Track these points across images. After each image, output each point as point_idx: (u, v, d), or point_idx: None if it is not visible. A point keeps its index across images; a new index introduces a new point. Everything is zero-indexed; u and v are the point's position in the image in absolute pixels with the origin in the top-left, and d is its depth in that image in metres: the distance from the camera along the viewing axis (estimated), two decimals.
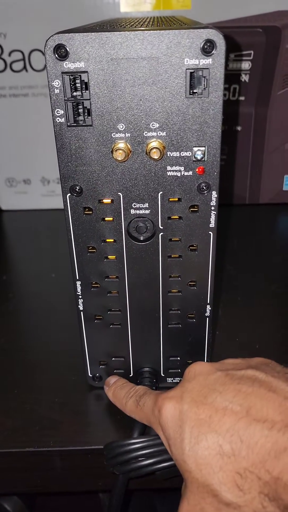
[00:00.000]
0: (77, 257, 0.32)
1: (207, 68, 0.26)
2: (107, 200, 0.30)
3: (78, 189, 0.29)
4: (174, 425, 0.27)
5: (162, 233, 0.31)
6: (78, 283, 0.33)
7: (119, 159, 0.28)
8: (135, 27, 0.30)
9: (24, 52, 0.59)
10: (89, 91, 0.27)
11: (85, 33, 0.25)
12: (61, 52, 0.26)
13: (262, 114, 0.62)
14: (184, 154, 0.28)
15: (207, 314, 0.34)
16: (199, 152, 0.28)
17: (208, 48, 0.25)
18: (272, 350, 0.41)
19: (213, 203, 0.30)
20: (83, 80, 0.26)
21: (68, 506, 0.50)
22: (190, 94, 0.26)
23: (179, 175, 0.29)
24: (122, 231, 0.31)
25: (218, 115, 0.27)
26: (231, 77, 0.60)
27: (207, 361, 0.36)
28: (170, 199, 0.30)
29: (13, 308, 0.48)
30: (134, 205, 0.30)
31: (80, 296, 0.33)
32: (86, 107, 0.27)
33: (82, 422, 0.35)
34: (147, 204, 0.30)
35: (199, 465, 0.25)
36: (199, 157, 0.28)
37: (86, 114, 0.27)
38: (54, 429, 0.34)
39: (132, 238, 0.31)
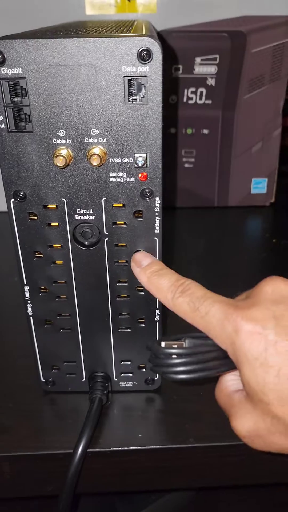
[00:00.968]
0: (24, 262, 0.32)
1: (145, 76, 0.26)
2: (51, 206, 0.30)
3: (22, 195, 0.29)
4: (257, 353, 0.24)
5: (107, 239, 0.31)
6: (26, 288, 0.33)
7: (60, 165, 0.28)
8: (88, 33, 0.30)
9: None
10: (28, 97, 0.27)
11: (22, 39, 0.25)
12: None
13: (229, 118, 0.63)
14: (125, 160, 0.28)
15: (157, 318, 0.34)
16: (140, 159, 0.28)
17: (144, 56, 0.25)
18: None
19: (157, 209, 0.30)
20: (22, 86, 0.26)
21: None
22: (128, 101, 0.27)
23: (121, 181, 0.29)
24: (68, 237, 0.31)
25: (158, 122, 0.27)
26: (197, 80, 0.61)
27: None
28: (114, 205, 0.30)
29: None
30: (79, 210, 0.30)
31: (28, 301, 0.33)
32: (26, 113, 0.27)
33: (32, 427, 0.35)
34: (91, 210, 0.30)
35: (281, 401, 0.24)
36: (140, 164, 0.28)
37: (26, 120, 0.27)
38: (5, 434, 0.34)
39: (78, 243, 0.31)
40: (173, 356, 0.27)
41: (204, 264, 0.55)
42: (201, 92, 0.62)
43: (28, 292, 0.33)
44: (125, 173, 0.29)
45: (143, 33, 0.29)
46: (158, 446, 0.33)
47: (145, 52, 0.25)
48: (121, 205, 0.30)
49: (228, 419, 0.28)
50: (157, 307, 0.33)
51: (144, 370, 0.36)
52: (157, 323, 0.34)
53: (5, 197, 0.29)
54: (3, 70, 0.26)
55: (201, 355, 0.27)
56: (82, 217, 0.30)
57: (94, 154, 0.27)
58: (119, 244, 0.31)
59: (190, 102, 0.62)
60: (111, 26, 0.37)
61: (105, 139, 0.28)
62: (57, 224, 0.30)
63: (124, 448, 0.33)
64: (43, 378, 0.36)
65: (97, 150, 0.28)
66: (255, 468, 0.35)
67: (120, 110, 0.27)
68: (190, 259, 0.56)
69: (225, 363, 0.27)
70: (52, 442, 0.33)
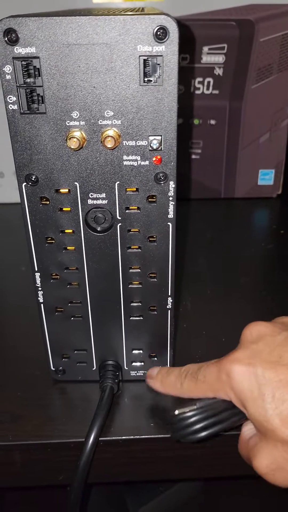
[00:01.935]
0: (35, 248, 0.31)
1: (161, 55, 0.25)
2: (64, 190, 0.29)
3: (34, 178, 0.29)
4: (250, 387, 0.27)
5: (120, 224, 0.30)
6: (37, 274, 0.32)
7: (73, 147, 0.27)
8: (101, 14, 0.29)
9: None
10: (42, 78, 0.26)
11: (36, 18, 0.25)
12: (12, 37, 0.25)
13: (237, 108, 0.62)
14: (140, 143, 0.28)
15: (169, 306, 0.33)
16: (155, 141, 0.28)
17: (161, 34, 0.25)
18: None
19: (171, 193, 0.29)
20: (35, 66, 0.26)
21: (38, 501, 0.49)
22: (144, 82, 0.26)
23: (135, 164, 0.28)
24: (80, 222, 0.30)
25: (173, 103, 0.27)
26: (205, 70, 0.60)
27: (170, 353, 0.36)
28: (127, 189, 0.29)
29: None
30: (91, 195, 0.29)
31: (39, 288, 0.33)
32: (39, 94, 0.26)
33: (43, 416, 0.34)
34: (105, 194, 0.29)
35: (284, 424, 0.26)
36: (155, 147, 0.28)
37: (39, 101, 0.27)
38: (14, 423, 0.34)
39: (91, 229, 0.31)
40: (188, 417, 0.29)
41: (211, 256, 0.55)
42: (209, 82, 0.61)
43: (39, 279, 0.32)
44: (139, 156, 0.28)
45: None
46: (170, 435, 0.33)
47: (161, 31, 0.25)
48: (135, 189, 0.29)
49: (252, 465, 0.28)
50: (169, 294, 0.33)
51: (155, 359, 0.36)
52: (169, 311, 0.34)
53: (17, 181, 0.29)
54: (16, 49, 0.25)
55: (212, 410, 0.29)
56: (94, 202, 0.30)
57: (108, 136, 0.27)
58: (132, 230, 0.31)
59: (197, 92, 0.61)
60: (121, 10, 0.36)
61: (119, 121, 0.27)
62: (69, 208, 0.30)
63: (136, 436, 0.33)
64: (53, 367, 0.36)
65: (111, 132, 0.27)
66: None
67: (135, 91, 0.26)
68: (196, 250, 0.56)
69: (236, 412, 0.29)
70: (63, 431, 0.33)
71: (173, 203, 0.30)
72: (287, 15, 0.58)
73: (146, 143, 0.28)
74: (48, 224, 0.30)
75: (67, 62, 0.26)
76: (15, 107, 0.27)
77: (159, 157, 0.28)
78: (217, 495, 0.57)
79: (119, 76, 0.26)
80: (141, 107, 0.27)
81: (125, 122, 0.27)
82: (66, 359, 0.36)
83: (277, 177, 0.68)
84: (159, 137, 0.28)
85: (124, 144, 0.28)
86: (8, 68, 0.26)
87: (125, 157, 0.28)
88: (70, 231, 0.31)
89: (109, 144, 0.27)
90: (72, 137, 0.27)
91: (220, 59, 0.59)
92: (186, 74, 0.60)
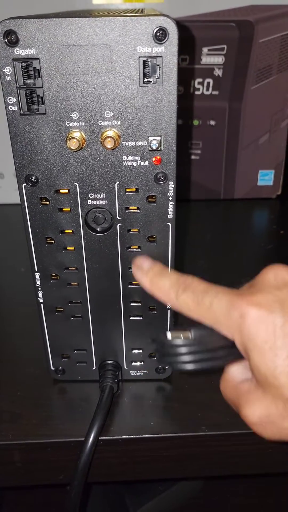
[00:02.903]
0: (35, 248, 0.31)
1: (160, 56, 0.26)
2: (63, 190, 0.29)
3: (34, 179, 0.29)
4: (265, 337, 0.24)
5: (120, 224, 0.30)
6: (37, 274, 0.32)
7: (73, 148, 0.27)
8: (101, 15, 0.29)
9: None
10: (42, 79, 0.26)
11: (36, 19, 0.25)
12: (12, 38, 0.25)
13: (236, 109, 0.62)
14: (139, 143, 0.28)
15: (168, 306, 0.34)
16: (154, 142, 0.28)
17: (160, 36, 0.25)
18: None
19: (171, 193, 0.29)
20: (35, 67, 0.26)
21: (38, 500, 0.49)
22: (143, 82, 0.26)
23: (135, 165, 0.28)
24: (80, 222, 0.30)
25: (173, 104, 0.27)
26: (204, 71, 0.60)
27: None
28: (127, 190, 0.29)
29: None
30: (91, 195, 0.29)
31: (39, 288, 0.33)
32: (39, 95, 0.27)
33: (43, 416, 0.34)
34: (104, 194, 0.29)
35: None
36: (154, 147, 0.28)
37: (39, 102, 0.27)
38: (14, 423, 0.34)
39: (90, 229, 0.31)
40: (181, 346, 0.27)
41: (210, 257, 0.55)
42: (208, 83, 0.61)
43: (39, 279, 0.32)
44: (138, 157, 0.28)
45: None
46: (170, 434, 0.33)
47: (161, 32, 0.25)
48: (134, 189, 0.29)
49: (237, 411, 0.27)
50: None
51: (155, 358, 0.36)
52: (168, 311, 0.34)
53: (17, 182, 0.29)
54: (16, 50, 0.25)
55: (208, 345, 0.27)
56: (94, 202, 0.30)
57: (108, 137, 0.27)
58: (131, 230, 0.31)
59: (197, 93, 0.62)
60: (120, 11, 0.37)
61: (119, 121, 0.27)
62: (69, 209, 0.30)
63: (135, 436, 0.33)
64: (53, 367, 0.36)
65: (110, 132, 0.27)
66: (266, 457, 0.35)
67: (135, 91, 0.26)
68: (196, 251, 0.56)
69: (232, 352, 0.27)
70: (63, 430, 0.33)
71: (173, 203, 0.30)
72: (287, 16, 0.58)
73: (146, 144, 0.28)
74: (48, 224, 0.30)
75: (67, 63, 0.26)
76: (15, 108, 0.27)
77: (158, 157, 0.28)
78: (217, 494, 0.57)
79: (118, 77, 0.26)
80: (141, 107, 0.27)
81: (125, 122, 0.27)
82: (66, 359, 0.36)
83: (276, 178, 0.68)
84: (159, 138, 0.28)
85: (124, 145, 0.28)
86: (8, 70, 0.26)
87: (124, 158, 0.28)
88: (70, 231, 0.31)
89: (109, 144, 0.27)
90: (72, 137, 0.27)
91: (220, 60, 0.60)
92: (185, 75, 0.60)
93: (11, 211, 0.67)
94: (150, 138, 0.28)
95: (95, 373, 0.36)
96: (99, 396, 0.34)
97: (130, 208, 0.30)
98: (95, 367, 0.36)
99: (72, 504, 0.32)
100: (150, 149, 0.28)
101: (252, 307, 0.25)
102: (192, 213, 0.66)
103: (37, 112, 0.27)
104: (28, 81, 0.26)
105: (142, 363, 0.36)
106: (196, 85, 0.61)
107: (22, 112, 0.27)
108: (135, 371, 0.36)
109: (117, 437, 0.33)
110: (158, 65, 0.26)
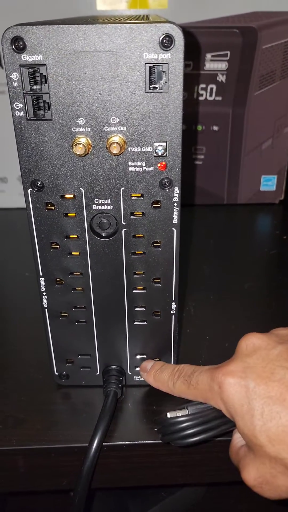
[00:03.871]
0: (40, 253, 0.31)
1: (166, 63, 0.26)
2: (69, 196, 0.29)
3: (40, 184, 0.29)
4: (241, 401, 0.27)
5: (125, 229, 0.30)
6: (42, 279, 0.32)
7: (79, 153, 0.27)
8: (107, 21, 0.30)
9: None
10: (48, 85, 0.26)
11: (43, 26, 0.25)
12: (19, 45, 0.25)
13: (240, 115, 0.63)
14: (145, 149, 0.28)
15: (173, 311, 0.34)
16: (160, 148, 0.28)
17: (166, 42, 0.25)
18: None
19: (176, 199, 0.29)
20: (42, 73, 0.26)
21: (41, 506, 0.49)
22: (149, 89, 0.26)
23: (140, 170, 0.29)
24: (85, 227, 0.30)
25: (178, 110, 0.27)
26: (208, 77, 0.60)
27: (173, 359, 0.36)
28: (132, 195, 0.29)
29: None
30: (96, 200, 0.30)
31: (44, 293, 0.33)
32: (45, 100, 0.27)
33: (47, 421, 0.34)
34: (109, 199, 0.30)
35: (272, 441, 0.26)
36: (160, 153, 0.28)
37: (45, 108, 0.27)
38: (18, 428, 0.34)
39: (95, 234, 0.31)
40: (179, 422, 0.29)
41: (214, 262, 0.55)
42: (212, 89, 0.62)
43: (43, 284, 0.32)
44: (144, 162, 0.28)
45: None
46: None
47: (167, 39, 0.25)
48: (140, 195, 0.29)
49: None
50: (173, 299, 0.33)
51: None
52: (173, 316, 0.34)
53: (23, 187, 0.29)
54: (23, 57, 0.26)
55: (202, 417, 0.29)
56: (99, 207, 0.30)
57: (114, 142, 0.27)
58: (136, 235, 0.31)
59: (201, 98, 0.62)
60: (126, 18, 0.37)
61: (125, 127, 0.27)
62: (74, 214, 0.30)
63: (140, 442, 0.33)
64: (57, 372, 0.36)
65: (116, 138, 0.27)
66: None
67: (141, 98, 0.27)
68: (200, 256, 0.56)
69: (226, 421, 0.29)
70: (66, 436, 0.33)
71: (178, 208, 0.30)
72: None
73: (151, 149, 0.28)
74: (53, 229, 0.30)
75: (73, 69, 0.26)
76: (22, 113, 0.27)
77: (164, 163, 0.28)
78: (221, 500, 0.57)
79: (125, 83, 0.26)
80: (147, 113, 0.27)
81: (131, 128, 0.27)
82: (70, 364, 0.36)
83: (279, 183, 0.68)
84: (164, 143, 0.28)
85: (130, 151, 0.28)
86: (15, 76, 0.26)
87: (130, 163, 0.28)
88: (75, 236, 0.31)
89: (115, 150, 0.27)
90: (78, 143, 0.27)
91: (223, 66, 0.60)
92: (189, 80, 0.61)
93: (14, 215, 0.67)
94: (156, 144, 0.28)
95: (99, 378, 0.36)
96: (103, 402, 0.34)
97: (135, 213, 0.30)
98: (99, 372, 0.36)
99: (75, 510, 0.32)
100: (155, 155, 0.28)
101: (226, 376, 0.28)
102: (196, 218, 0.66)
103: (43, 118, 0.27)
104: (34, 87, 0.26)
105: None
106: (200, 91, 0.62)
107: (28, 118, 0.27)
108: (139, 377, 0.36)
109: (121, 442, 0.33)
110: (164, 71, 0.26)
